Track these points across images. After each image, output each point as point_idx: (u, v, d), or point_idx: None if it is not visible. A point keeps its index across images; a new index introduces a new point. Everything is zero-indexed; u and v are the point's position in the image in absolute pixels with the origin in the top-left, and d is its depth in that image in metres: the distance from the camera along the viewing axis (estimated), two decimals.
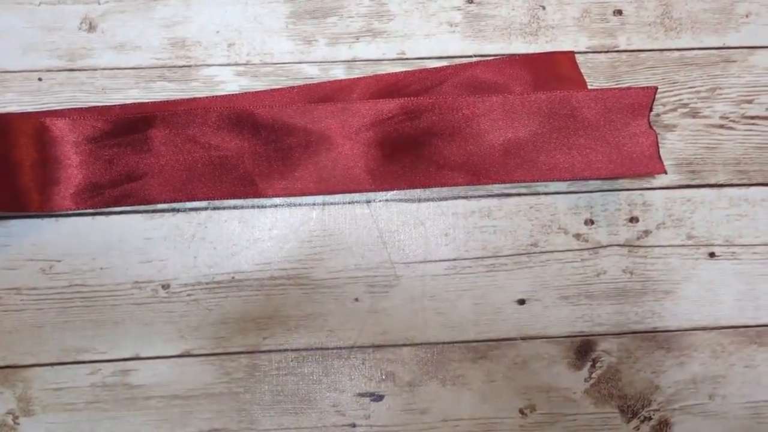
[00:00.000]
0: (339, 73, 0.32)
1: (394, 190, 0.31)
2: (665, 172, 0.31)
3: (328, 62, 0.32)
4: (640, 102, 0.30)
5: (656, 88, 0.30)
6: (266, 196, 0.31)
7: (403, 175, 0.31)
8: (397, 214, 0.32)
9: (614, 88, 0.31)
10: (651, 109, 0.31)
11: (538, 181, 0.31)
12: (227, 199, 0.31)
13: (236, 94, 0.32)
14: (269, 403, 0.31)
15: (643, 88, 0.30)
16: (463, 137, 0.31)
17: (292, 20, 0.32)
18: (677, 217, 0.32)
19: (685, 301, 0.32)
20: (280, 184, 0.31)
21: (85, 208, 0.30)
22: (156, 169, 0.30)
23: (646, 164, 0.31)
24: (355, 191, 0.31)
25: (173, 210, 0.31)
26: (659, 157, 0.31)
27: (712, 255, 0.32)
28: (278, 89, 0.32)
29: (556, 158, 0.31)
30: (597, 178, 0.32)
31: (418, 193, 0.32)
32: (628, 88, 0.31)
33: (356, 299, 0.32)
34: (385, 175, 0.31)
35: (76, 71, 0.31)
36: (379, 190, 0.31)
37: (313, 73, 0.32)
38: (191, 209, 0.31)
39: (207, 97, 0.32)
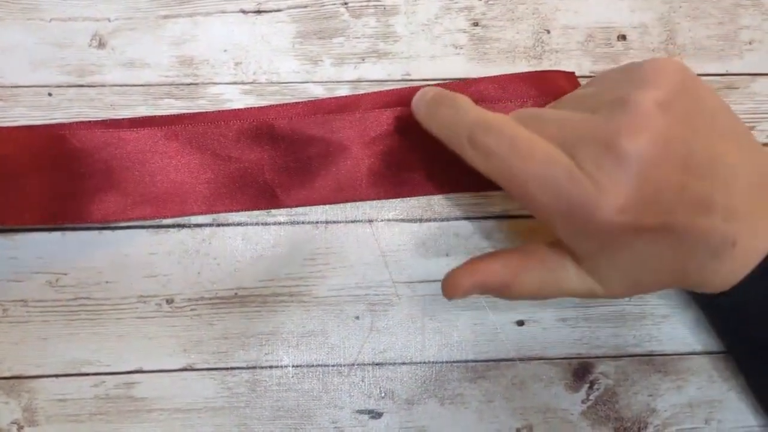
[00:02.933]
0: (344, 93, 0.33)
1: (414, 196, 0.32)
2: None
3: (334, 82, 0.32)
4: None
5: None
6: (286, 207, 0.32)
7: (422, 182, 0.32)
8: (398, 233, 0.32)
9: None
10: None
11: None
12: (248, 210, 0.32)
13: (244, 109, 0.32)
14: (269, 418, 0.32)
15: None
16: None
17: (299, 40, 0.32)
18: None
19: (683, 326, 0.32)
20: (299, 195, 0.31)
21: (119, 221, 0.31)
22: (177, 183, 0.31)
23: None
24: (374, 199, 0.32)
25: (178, 226, 0.32)
26: None
27: None
28: (283, 104, 0.32)
29: None
30: None
31: (419, 212, 0.32)
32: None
33: (357, 317, 0.32)
34: (405, 182, 0.32)
35: (85, 87, 0.32)
36: (399, 197, 0.32)
37: (319, 93, 0.32)
38: (196, 225, 0.32)
39: (218, 111, 0.32)
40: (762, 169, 0.25)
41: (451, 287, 0.28)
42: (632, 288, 0.27)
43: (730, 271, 0.25)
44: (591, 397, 0.32)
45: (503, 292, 0.27)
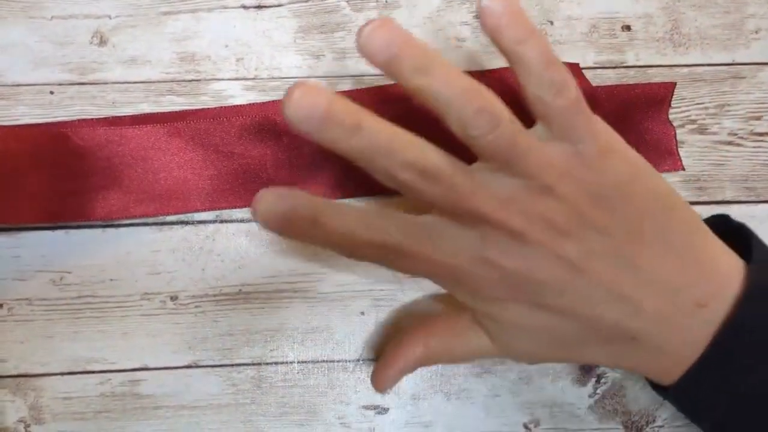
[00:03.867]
0: (346, 88, 0.32)
1: None
2: (683, 169, 0.31)
3: (336, 77, 0.32)
4: (659, 97, 0.31)
5: (675, 84, 0.31)
6: None
7: None
8: None
9: (632, 84, 0.31)
10: (670, 105, 0.31)
11: None
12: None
13: (246, 105, 0.32)
14: (275, 415, 0.32)
15: (662, 83, 0.31)
16: None
17: (300, 35, 0.32)
18: None
19: None
20: (303, 190, 0.31)
21: (122, 219, 0.31)
22: (180, 180, 0.31)
23: (665, 160, 0.31)
24: (376, 194, 0.32)
25: (181, 222, 0.32)
26: (677, 153, 0.31)
27: None
28: None
29: None
30: None
31: None
32: (647, 84, 0.31)
33: (362, 313, 0.32)
34: None
35: (86, 85, 0.32)
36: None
37: None
38: (199, 222, 0.32)
39: (221, 107, 0.32)
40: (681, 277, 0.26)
41: (380, 384, 0.29)
42: (531, 358, 0.28)
43: (664, 369, 0.26)
44: (598, 391, 0.32)
45: (427, 364, 0.29)
